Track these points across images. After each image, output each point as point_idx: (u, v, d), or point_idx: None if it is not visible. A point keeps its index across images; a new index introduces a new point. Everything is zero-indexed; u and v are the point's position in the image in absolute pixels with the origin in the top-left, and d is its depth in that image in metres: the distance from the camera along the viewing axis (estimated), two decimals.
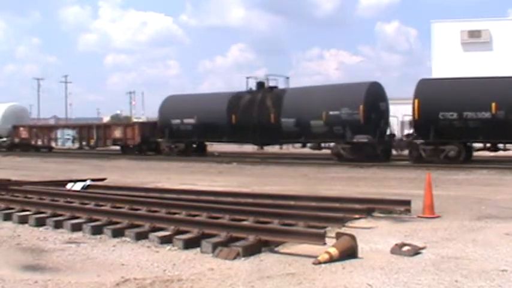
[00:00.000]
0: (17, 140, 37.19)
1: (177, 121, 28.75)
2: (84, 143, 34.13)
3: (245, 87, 27.71)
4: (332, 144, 24.38)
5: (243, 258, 6.37)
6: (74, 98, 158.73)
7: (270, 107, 25.63)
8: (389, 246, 6.66)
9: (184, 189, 12.41)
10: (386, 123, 24.12)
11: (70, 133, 34.97)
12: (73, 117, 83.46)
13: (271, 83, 27.66)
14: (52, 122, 51.59)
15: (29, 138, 36.75)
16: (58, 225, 8.64)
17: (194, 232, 7.27)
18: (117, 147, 32.81)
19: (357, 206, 9.15)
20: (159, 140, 30.04)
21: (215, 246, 6.69)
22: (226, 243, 6.74)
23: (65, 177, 15.56)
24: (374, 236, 7.54)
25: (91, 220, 8.55)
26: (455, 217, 9.09)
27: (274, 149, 29.45)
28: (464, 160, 20.82)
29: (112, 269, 6.17)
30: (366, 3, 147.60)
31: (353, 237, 6.39)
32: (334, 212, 8.46)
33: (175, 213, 8.71)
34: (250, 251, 6.55)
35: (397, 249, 6.48)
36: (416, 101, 21.39)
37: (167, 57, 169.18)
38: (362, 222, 8.44)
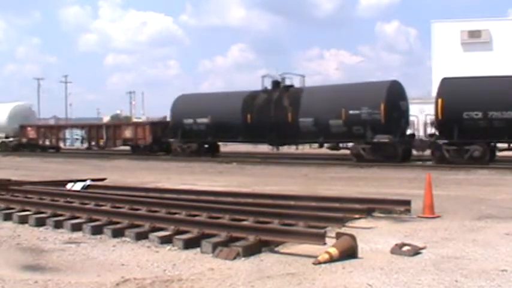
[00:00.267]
0: (24, 140, 36.66)
1: (190, 121, 27.97)
2: (93, 143, 33.49)
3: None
4: (350, 144, 23.78)
5: (243, 258, 6.37)
6: (74, 98, 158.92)
7: (287, 106, 25.00)
8: (390, 246, 6.66)
9: (184, 189, 12.41)
10: (407, 123, 23.61)
11: (79, 133, 34.34)
12: (73, 117, 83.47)
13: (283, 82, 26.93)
14: (52, 122, 51.40)
15: (36, 138, 36.18)
16: (58, 225, 8.65)
17: (194, 232, 7.27)
18: (127, 148, 32.09)
19: (357, 206, 9.15)
20: (171, 140, 29.32)
21: (215, 246, 6.70)
22: (226, 243, 6.74)
23: (65, 177, 15.55)
24: (374, 236, 7.54)
25: (91, 220, 8.55)
26: (455, 217, 9.09)
27: (290, 149, 28.63)
28: (489, 160, 20.24)
29: (112, 269, 6.17)
30: (366, 3, 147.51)
31: (353, 237, 6.39)
32: (334, 212, 8.45)
33: (175, 213, 8.71)
34: (250, 251, 6.55)
35: (397, 249, 6.48)
36: (439, 100, 20.78)
37: (167, 57, 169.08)
38: (362, 222, 8.44)
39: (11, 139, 37.68)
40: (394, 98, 22.86)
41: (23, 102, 42.45)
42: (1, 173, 18.05)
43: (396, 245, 6.59)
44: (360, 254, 6.34)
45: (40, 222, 8.91)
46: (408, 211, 9.13)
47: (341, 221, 7.84)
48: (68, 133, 35.07)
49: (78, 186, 12.67)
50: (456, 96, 20.73)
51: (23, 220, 9.15)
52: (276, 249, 6.79)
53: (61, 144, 35.97)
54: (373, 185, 14.57)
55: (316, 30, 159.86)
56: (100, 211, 9.00)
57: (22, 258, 6.72)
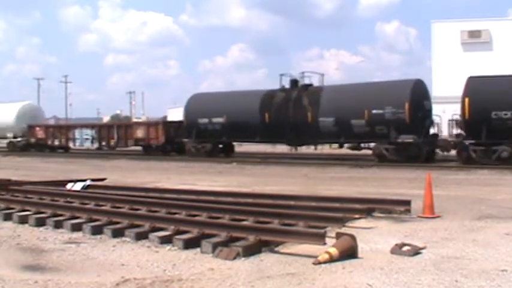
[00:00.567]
0: (32, 140, 36.11)
1: (205, 120, 27.31)
2: (103, 143, 32.76)
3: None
4: (372, 144, 23.22)
5: (243, 258, 6.37)
6: (74, 98, 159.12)
7: (307, 105, 24.43)
8: (390, 246, 6.66)
9: (184, 189, 12.41)
10: (431, 123, 23.24)
11: (89, 133, 33.68)
12: (73, 117, 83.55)
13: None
14: (52, 122, 51.21)
15: (45, 138, 35.53)
16: (58, 225, 8.64)
17: (194, 232, 7.26)
18: (139, 148, 31.47)
19: (357, 206, 9.15)
20: (185, 140, 28.65)
21: (215, 246, 6.69)
22: (226, 243, 6.73)
23: (65, 177, 15.55)
24: (374, 236, 7.54)
25: (91, 220, 8.55)
26: (455, 217, 9.08)
27: (309, 149, 27.92)
28: None
29: (112, 269, 6.17)
30: (366, 3, 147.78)
31: (353, 237, 6.39)
32: (334, 212, 8.45)
33: (175, 213, 8.71)
34: (250, 251, 6.55)
35: (397, 249, 6.48)
36: (466, 99, 20.30)
37: (167, 57, 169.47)
38: (362, 222, 8.44)
39: (19, 139, 37.23)
40: (419, 97, 22.47)
41: (31, 102, 42.09)
42: (1, 173, 18.05)
43: (396, 245, 6.59)
44: (360, 254, 6.34)
45: (40, 222, 8.90)
46: (408, 211, 9.13)
47: (341, 221, 7.83)
48: (77, 133, 34.39)
49: (78, 186, 12.66)
50: (484, 95, 20.18)
51: (23, 220, 9.15)
52: (276, 249, 6.79)
53: (70, 145, 35.35)
54: (373, 185, 14.57)
55: (316, 30, 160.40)
56: (100, 211, 8.99)
57: (22, 258, 6.72)
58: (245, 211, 8.56)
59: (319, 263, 6.02)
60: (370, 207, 9.01)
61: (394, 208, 9.25)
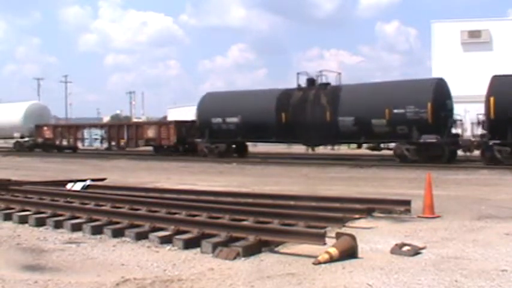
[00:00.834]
0: (40, 140, 35.69)
1: (219, 120, 26.79)
2: (113, 143, 32.26)
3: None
4: (392, 144, 22.92)
5: (243, 258, 6.37)
6: (74, 98, 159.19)
7: (325, 104, 24.01)
8: (390, 246, 6.66)
9: (184, 189, 12.41)
10: (453, 122, 22.88)
11: (98, 133, 33.16)
12: (73, 117, 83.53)
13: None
14: (52, 122, 51.18)
15: (53, 138, 35.04)
16: (58, 225, 8.64)
17: (194, 232, 7.26)
18: (150, 148, 31.01)
19: (357, 206, 9.15)
20: (197, 140, 28.08)
21: (215, 246, 6.69)
22: (226, 243, 6.73)
23: (65, 177, 15.55)
24: (374, 236, 7.54)
25: (91, 220, 8.55)
26: (455, 217, 9.08)
27: (326, 149, 27.42)
28: None
29: (112, 269, 6.17)
30: (366, 3, 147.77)
31: (353, 237, 6.39)
32: (334, 212, 8.45)
33: (175, 213, 8.70)
34: (250, 251, 6.55)
35: (397, 249, 6.48)
36: (491, 99, 19.90)
37: (167, 57, 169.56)
38: (362, 222, 8.44)
39: (26, 139, 36.78)
40: (441, 96, 22.23)
41: (39, 101, 41.62)
42: (1, 173, 18.05)
43: (396, 245, 6.58)
44: (360, 254, 6.33)
45: (40, 222, 8.90)
46: (408, 211, 9.13)
47: (341, 221, 7.83)
48: (86, 133, 33.83)
49: (78, 186, 12.67)
50: (509, 94, 19.81)
51: (23, 220, 9.15)
52: (276, 249, 6.78)
53: (79, 145, 34.85)
54: (373, 185, 14.57)
55: (316, 30, 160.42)
56: (100, 211, 8.99)
57: (22, 258, 6.72)
58: (245, 211, 8.56)
59: (319, 263, 6.02)
60: (370, 207, 9.00)
61: (394, 208, 9.25)
